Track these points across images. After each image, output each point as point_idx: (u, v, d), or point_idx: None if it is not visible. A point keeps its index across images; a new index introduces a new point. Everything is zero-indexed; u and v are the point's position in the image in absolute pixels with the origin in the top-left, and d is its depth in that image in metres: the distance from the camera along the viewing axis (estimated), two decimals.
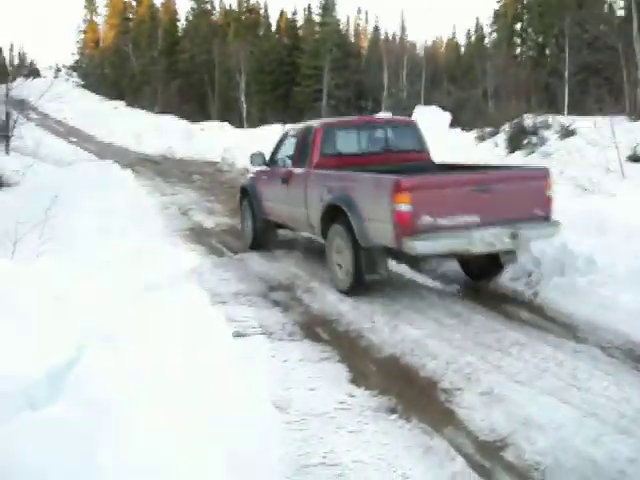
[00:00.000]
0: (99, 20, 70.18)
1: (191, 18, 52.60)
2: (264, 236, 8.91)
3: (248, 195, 9.10)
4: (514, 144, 15.42)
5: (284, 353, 4.84)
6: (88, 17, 70.57)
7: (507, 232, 5.67)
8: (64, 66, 78.32)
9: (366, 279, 6.27)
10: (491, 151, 15.71)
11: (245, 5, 51.96)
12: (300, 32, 45.34)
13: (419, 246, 5.45)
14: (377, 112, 29.35)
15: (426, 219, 5.49)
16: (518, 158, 14.39)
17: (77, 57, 72.68)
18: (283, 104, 40.13)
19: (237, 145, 25.71)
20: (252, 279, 7.31)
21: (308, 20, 44.32)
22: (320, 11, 41.29)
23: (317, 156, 7.36)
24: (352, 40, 49.93)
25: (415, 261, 7.20)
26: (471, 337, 5.07)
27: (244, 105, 40.01)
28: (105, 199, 12.49)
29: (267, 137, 23.60)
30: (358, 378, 4.41)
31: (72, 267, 4.89)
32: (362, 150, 7.71)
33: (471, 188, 5.75)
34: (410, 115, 17.87)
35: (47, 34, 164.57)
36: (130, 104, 52.06)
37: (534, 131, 15.55)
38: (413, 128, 8.05)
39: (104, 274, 4.75)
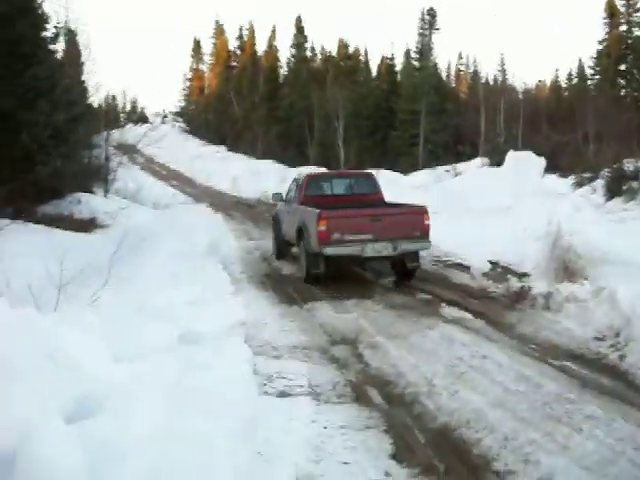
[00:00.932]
0: (204, 68, 73.18)
1: (292, 65, 53.72)
2: (283, 250, 12.25)
3: (274, 222, 12.77)
4: (613, 190, 14.53)
5: (326, 418, 4.43)
6: (194, 65, 73.79)
7: (390, 245, 9.21)
8: (170, 112, 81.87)
9: (312, 273, 9.53)
10: (587, 198, 14.83)
11: (344, 51, 52.69)
12: (398, 77, 45.36)
13: (329, 251, 9.03)
14: (474, 157, 28.74)
15: (335, 235, 9.01)
16: (616, 205, 13.50)
17: (183, 104, 75.90)
18: (380, 149, 40.00)
19: None
20: (315, 331, 6.99)
21: (406, 64, 44.32)
22: (417, 56, 41.23)
23: (302, 196, 11.04)
24: (453, 84, 49.75)
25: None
26: (539, 407, 4.50)
27: (341, 150, 40.12)
28: (190, 243, 12.52)
29: None
30: (402, 453, 3.96)
31: (111, 318, 4.76)
32: (334, 193, 11.57)
33: (369, 218, 9.42)
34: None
35: (156, 82, 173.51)
36: (231, 149, 53.54)
37: (635, 176, 14.58)
38: (370, 178, 12.08)
39: (142, 326, 4.56)
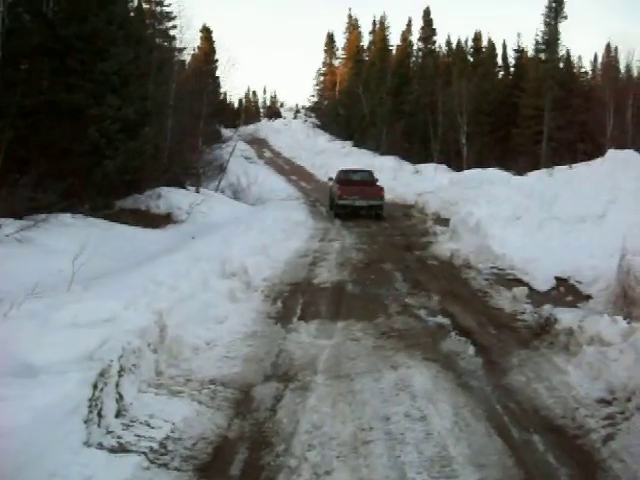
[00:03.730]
0: (337, 63, 72.88)
1: (419, 59, 52.07)
2: (331, 203, 21.97)
3: (330, 190, 22.65)
4: None
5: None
6: (327, 60, 73.72)
7: (364, 201, 19.84)
8: (303, 107, 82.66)
9: (334, 210, 20.77)
10: None
11: (472, 45, 50.30)
12: (523, 71, 42.46)
13: (340, 202, 19.94)
14: (595, 157, 25.96)
15: (344, 195, 19.81)
16: None
17: (316, 99, 76.11)
18: (501, 147, 37.54)
19: (435, 189, 24.31)
20: (264, 359, 5.92)
21: (531, 57, 41.33)
22: (544, 47, 38.15)
23: (336, 179, 21.78)
24: (586, 77, 46.01)
25: None
26: None
27: (464, 147, 38.21)
28: (250, 244, 11.83)
29: (468, 178, 22.10)
30: None
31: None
32: (350, 178, 21.66)
33: (358, 189, 20.15)
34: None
35: (293, 77, 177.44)
36: (357, 144, 52.77)
37: None
38: (370, 173, 22.96)
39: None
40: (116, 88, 15.25)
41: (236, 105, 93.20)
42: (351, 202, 19.70)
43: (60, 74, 14.89)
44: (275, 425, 4.39)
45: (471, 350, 6.23)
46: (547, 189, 14.22)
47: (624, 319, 7.53)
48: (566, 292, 9.18)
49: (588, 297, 8.84)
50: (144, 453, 3.88)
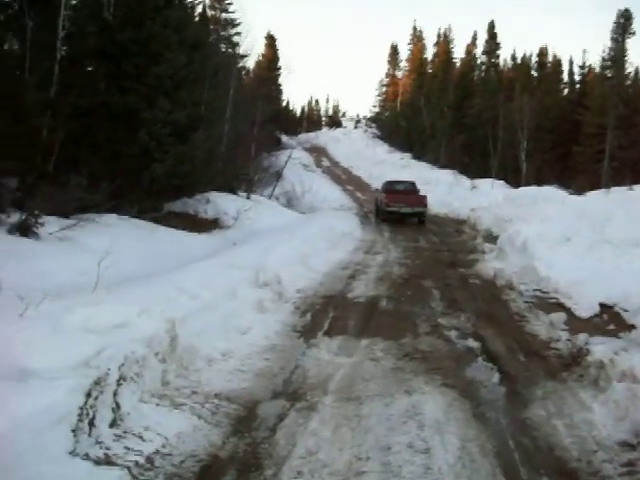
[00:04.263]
0: (400, 74, 72.61)
1: (482, 72, 51.32)
2: (377, 210, 24.57)
3: (375, 199, 25.86)
4: None
5: None
6: (390, 71, 73.52)
7: (409, 208, 22.49)
8: (364, 117, 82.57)
9: (380, 217, 23.40)
10: None
11: (536, 60, 49.28)
12: (587, 88, 41.31)
13: (388, 209, 22.41)
14: None
15: (391, 203, 22.38)
16: None
17: (377, 109, 75.95)
18: (561, 164, 36.55)
19: (489, 205, 23.80)
20: (278, 375, 5.76)
21: (596, 74, 40.18)
22: (609, 64, 37.02)
23: (382, 189, 24.38)
24: None
25: None
26: None
27: (524, 163, 37.41)
28: (290, 253, 11.76)
29: (522, 195, 21.56)
30: None
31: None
32: (395, 189, 24.10)
33: (403, 197, 22.81)
34: None
35: (357, 87, 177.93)
36: (416, 157, 52.35)
37: None
38: (413, 184, 25.07)
39: None
40: (169, 92, 15.41)
41: (298, 113, 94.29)
42: (397, 209, 22.36)
43: (115, 77, 15.16)
44: (271, 447, 4.20)
45: (496, 378, 5.93)
46: (600, 210, 13.67)
47: None
48: (609, 320, 8.71)
49: (632, 327, 8.36)
50: (128, 467, 3.75)
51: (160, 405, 4.76)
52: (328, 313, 8.46)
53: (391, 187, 24.01)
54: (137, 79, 15.06)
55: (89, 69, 15.63)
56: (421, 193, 23.54)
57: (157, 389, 5.00)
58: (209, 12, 39.32)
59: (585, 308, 9.22)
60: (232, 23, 40.69)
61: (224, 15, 42.28)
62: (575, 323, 8.37)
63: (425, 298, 9.74)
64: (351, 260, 13.50)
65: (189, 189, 17.94)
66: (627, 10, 35.17)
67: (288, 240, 13.05)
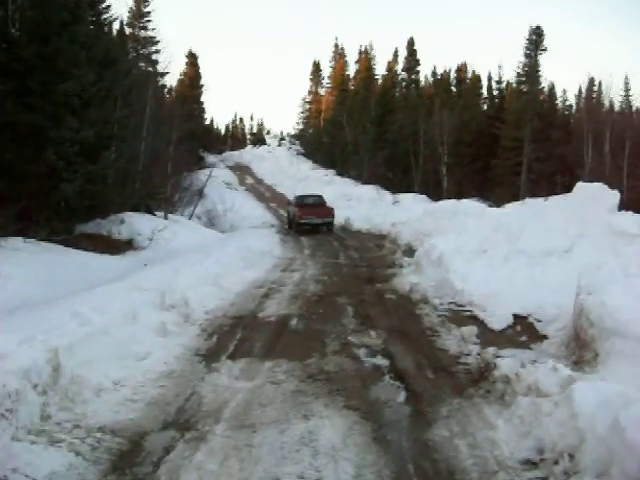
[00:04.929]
0: (322, 92, 73.11)
1: (403, 89, 52.18)
2: (290, 223, 27.70)
3: (287, 212, 29.69)
4: None
5: None
6: (313, 89, 73.95)
7: (319, 219, 25.88)
8: (288, 135, 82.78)
9: (295, 228, 25.81)
10: None
11: (454, 76, 50.49)
12: (504, 102, 42.55)
13: (301, 221, 25.43)
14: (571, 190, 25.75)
15: (303, 215, 25.60)
16: None
17: (301, 126, 76.23)
18: (481, 177, 37.43)
19: (407, 220, 23.96)
20: (172, 403, 5.47)
21: (512, 89, 41.45)
22: (524, 79, 38.24)
23: (294, 202, 27.70)
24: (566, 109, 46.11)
25: None
26: None
27: (445, 177, 38.10)
28: (203, 273, 11.45)
29: (442, 209, 21.78)
30: None
31: None
32: (305, 202, 27.36)
33: (313, 210, 26.32)
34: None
35: (279, 104, 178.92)
36: (340, 173, 52.64)
37: None
38: (321, 197, 28.73)
39: None
40: (76, 110, 14.89)
41: (223, 131, 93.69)
42: (309, 220, 25.62)
43: (21, 95, 14.52)
44: None
45: (401, 397, 5.80)
46: (514, 221, 13.87)
47: (575, 363, 7.18)
48: (522, 331, 8.79)
49: (544, 337, 8.46)
50: None
51: (36, 442, 4.40)
52: (235, 335, 8.20)
53: (302, 201, 27.33)
54: (43, 97, 14.48)
55: None
56: (328, 205, 27.51)
57: (35, 424, 4.65)
58: (127, 30, 38.70)
59: (498, 320, 9.27)
60: (151, 41, 40.25)
61: (143, 33, 41.80)
62: (487, 336, 8.40)
63: (338, 315, 9.59)
64: (267, 279, 13.27)
65: (102, 209, 17.38)
66: (538, 27, 36.37)
67: (202, 260, 12.75)
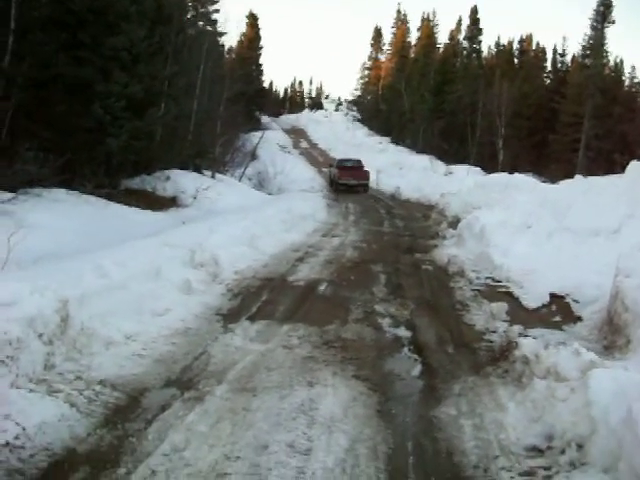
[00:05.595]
0: (383, 58, 71.93)
1: (464, 58, 50.90)
2: (332, 186, 30.52)
3: (329, 173, 32.87)
4: None
5: None
6: (374, 55, 72.88)
7: (355, 181, 29.58)
8: (345, 100, 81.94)
9: (334, 187, 29.83)
10: None
11: (518, 46, 48.95)
12: (567, 76, 40.96)
13: (340, 181, 29.54)
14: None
15: (342, 177, 29.62)
16: None
17: (359, 93, 75.35)
18: (537, 152, 36.30)
19: (458, 192, 23.48)
20: (179, 361, 5.40)
21: (575, 62, 39.84)
22: (588, 52, 36.64)
23: (335, 165, 31.69)
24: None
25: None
26: None
27: (501, 150, 37.14)
28: (238, 234, 11.39)
29: (493, 182, 21.26)
30: None
31: None
32: (345, 165, 31.23)
33: (350, 172, 30.07)
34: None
35: (338, 70, 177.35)
36: (395, 141, 51.95)
37: None
38: (360, 161, 31.89)
39: None
40: (125, 65, 14.87)
41: (282, 94, 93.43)
42: (346, 181, 29.56)
43: (71, 48, 14.57)
44: (138, 441, 3.84)
45: (416, 371, 5.62)
46: (562, 198, 13.37)
47: (606, 348, 6.85)
48: (557, 311, 8.45)
49: (578, 319, 8.12)
50: None
51: (34, 391, 4.38)
52: (261, 296, 8.11)
53: (342, 164, 31.24)
54: (93, 50, 14.50)
55: (44, 38, 14.99)
56: (365, 169, 30.83)
57: (37, 373, 4.63)
58: None
59: (534, 298, 8.95)
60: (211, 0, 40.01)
61: None
62: (519, 314, 8.11)
63: (369, 283, 9.42)
64: (305, 242, 13.16)
65: (148, 166, 17.44)
66: None
67: (240, 220, 12.67)
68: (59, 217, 11.71)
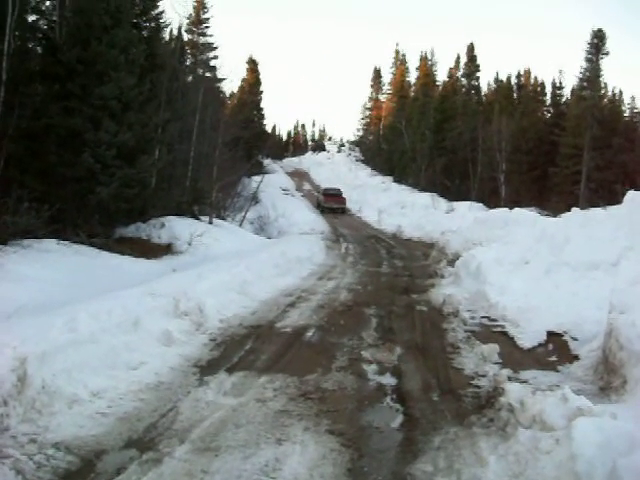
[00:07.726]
0: (383, 98, 72.56)
1: (463, 95, 51.18)
2: (319, 207, 41.70)
3: (317, 200, 44.05)
4: None
5: None
6: (373, 95, 73.56)
7: (336, 205, 41.66)
8: (347, 141, 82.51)
9: (320, 209, 41.11)
10: None
11: (516, 81, 49.19)
12: (565, 108, 41.05)
13: (324, 205, 41.34)
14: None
15: (326, 201, 41.56)
16: None
17: (361, 133, 75.89)
18: (539, 186, 36.16)
19: (458, 229, 23.32)
20: (144, 418, 5.14)
21: (572, 94, 39.94)
22: (585, 84, 36.70)
23: (321, 193, 44.19)
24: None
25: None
26: None
27: (503, 186, 37.05)
28: (228, 280, 11.20)
29: (493, 218, 21.05)
30: None
31: None
32: (329, 193, 43.24)
33: (333, 199, 41.95)
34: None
35: (340, 111, 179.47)
36: (397, 180, 52.00)
37: None
38: (339, 189, 44.72)
39: None
40: (115, 113, 14.87)
41: (285, 137, 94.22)
42: (329, 205, 40.75)
43: (61, 98, 14.62)
44: None
45: (396, 422, 5.33)
46: (559, 231, 13.13)
47: (602, 390, 6.55)
48: (553, 350, 8.19)
49: (575, 358, 7.83)
50: None
51: None
52: (244, 346, 7.84)
53: (326, 192, 42.99)
54: (82, 100, 14.54)
55: (35, 90, 15.07)
56: (343, 196, 42.52)
57: None
58: (186, 36, 39.07)
59: (529, 337, 8.69)
60: (209, 47, 40.53)
61: (201, 39, 42.14)
62: (513, 355, 7.86)
63: (359, 328, 9.16)
64: (299, 286, 12.92)
65: (143, 213, 17.33)
66: (600, 30, 34.87)
67: (232, 266, 12.47)
68: (47, 268, 11.56)
